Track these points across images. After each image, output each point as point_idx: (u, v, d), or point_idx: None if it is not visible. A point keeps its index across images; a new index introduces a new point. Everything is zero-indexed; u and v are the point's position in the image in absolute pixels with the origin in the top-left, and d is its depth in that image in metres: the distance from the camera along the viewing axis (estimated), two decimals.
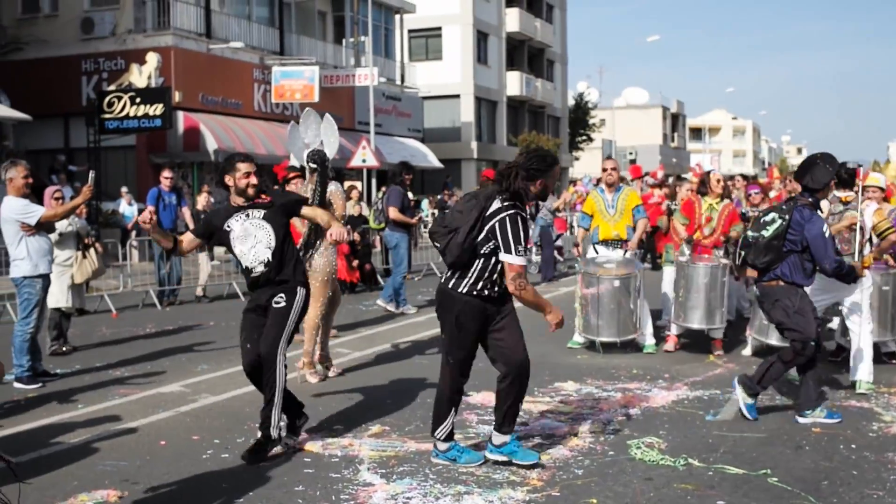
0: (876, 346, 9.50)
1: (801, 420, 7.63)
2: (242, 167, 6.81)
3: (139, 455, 6.83)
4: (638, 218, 10.85)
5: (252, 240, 6.72)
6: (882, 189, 9.76)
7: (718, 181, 10.77)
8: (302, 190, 9.45)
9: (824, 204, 8.93)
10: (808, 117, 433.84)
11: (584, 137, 65.45)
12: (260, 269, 6.72)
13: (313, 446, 6.94)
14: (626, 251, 10.78)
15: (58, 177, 24.62)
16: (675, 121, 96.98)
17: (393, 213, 14.35)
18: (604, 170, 10.95)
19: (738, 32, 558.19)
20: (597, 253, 10.91)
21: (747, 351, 10.56)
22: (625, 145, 72.02)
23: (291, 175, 10.65)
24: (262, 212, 6.81)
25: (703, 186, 10.86)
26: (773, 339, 9.95)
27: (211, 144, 27.62)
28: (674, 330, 10.90)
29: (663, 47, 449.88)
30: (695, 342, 11.08)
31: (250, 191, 6.80)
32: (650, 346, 10.84)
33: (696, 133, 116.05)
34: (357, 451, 6.83)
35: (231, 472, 6.43)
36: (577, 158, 64.16)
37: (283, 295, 6.73)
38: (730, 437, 7.21)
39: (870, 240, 8.90)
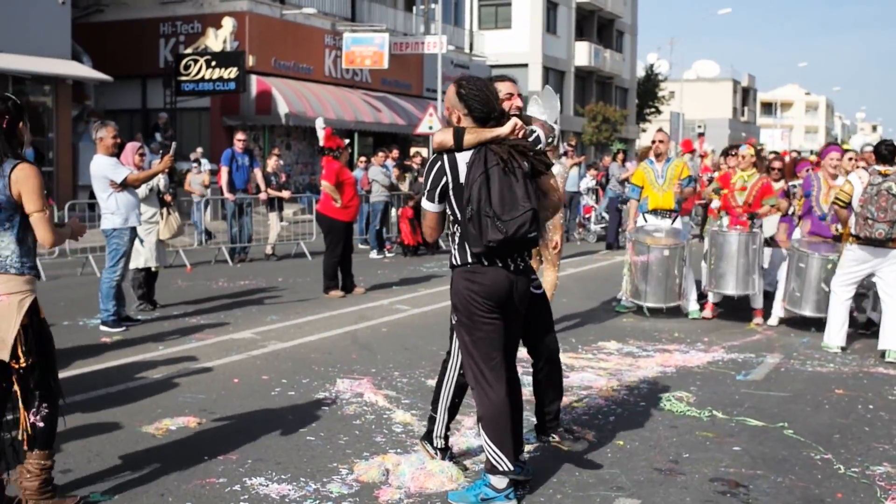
0: None
1: None
2: (503, 87, 5.71)
3: (215, 390, 7.59)
4: (685, 186, 11.33)
5: None
6: None
7: (744, 157, 11.35)
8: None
9: (864, 175, 9.39)
10: (884, 94, 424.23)
11: (653, 109, 65.31)
12: None
13: (373, 387, 7.65)
14: (674, 220, 11.28)
15: (162, 134, 25.44)
16: (745, 95, 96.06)
17: None
18: (653, 141, 11.46)
19: (812, 6, 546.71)
20: (646, 222, 11.43)
21: (773, 321, 11.02)
22: (693, 118, 71.53)
23: (342, 145, 11.23)
24: None
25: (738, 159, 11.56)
26: (807, 311, 10.46)
27: (282, 108, 28.39)
28: (711, 298, 11.43)
29: (735, 20, 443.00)
30: (737, 310, 11.58)
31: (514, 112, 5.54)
32: (694, 312, 11.38)
33: (767, 108, 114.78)
34: (408, 397, 7.53)
35: (296, 406, 7.16)
36: (643, 130, 64.12)
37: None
38: (756, 394, 7.77)
39: None
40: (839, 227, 10.43)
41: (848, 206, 9.44)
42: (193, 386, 7.71)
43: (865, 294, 10.49)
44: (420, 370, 8.39)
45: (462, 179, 4.95)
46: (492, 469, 5.14)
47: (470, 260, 5.04)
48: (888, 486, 5.65)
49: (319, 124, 13.74)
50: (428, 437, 5.88)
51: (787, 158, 14.09)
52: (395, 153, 20.29)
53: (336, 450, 6.13)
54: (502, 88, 5.66)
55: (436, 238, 5.36)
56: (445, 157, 5.04)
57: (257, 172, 17.43)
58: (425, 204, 5.16)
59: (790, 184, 11.83)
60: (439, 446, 5.82)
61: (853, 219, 9.34)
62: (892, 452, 6.33)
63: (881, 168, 9.26)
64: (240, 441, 6.23)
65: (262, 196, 17.42)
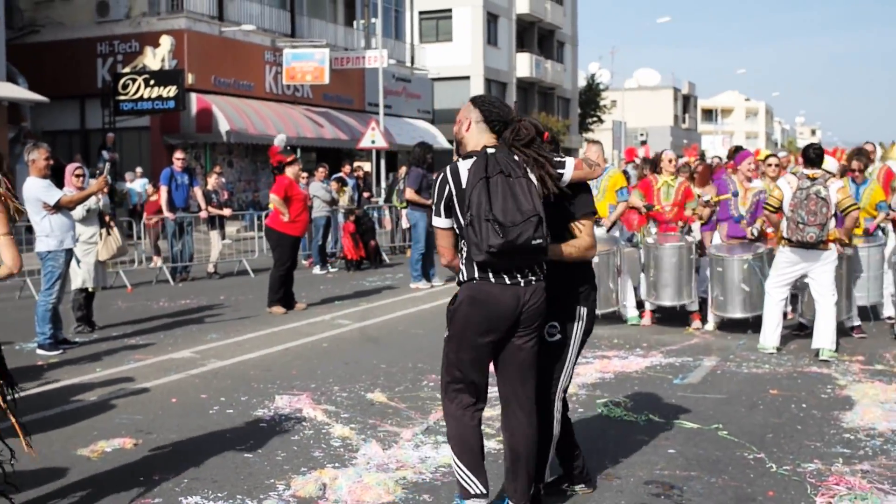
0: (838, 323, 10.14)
1: None
2: None
3: (152, 410, 7.54)
4: (620, 200, 11.45)
5: None
6: (832, 173, 10.45)
7: (670, 161, 11.57)
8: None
9: (793, 180, 9.57)
10: (822, 99, 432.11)
11: (595, 119, 65.90)
12: None
13: (312, 403, 7.64)
14: (609, 228, 11.38)
15: (109, 153, 25.07)
16: (686, 102, 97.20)
17: (409, 193, 15.03)
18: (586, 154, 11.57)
19: (750, 14, 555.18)
20: None
21: (710, 325, 11.19)
22: (635, 126, 72.53)
23: (290, 159, 11.25)
24: None
25: (656, 165, 11.80)
26: (735, 313, 10.69)
27: (223, 126, 28.30)
28: (648, 306, 11.56)
29: (675, 29, 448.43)
30: (675, 315, 11.71)
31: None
32: (633, 318, 11.50)
33: (708, 114, 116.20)
34: (347, 411, 7.54)
35: (234, 424, 7.13)
36: (586, 140, 64.53)
37: None
38: (692, 397, 7.87)
39: (835, 215, 9.50)
40: (755, 229, 10.70)
41: (778, 210, 9.61)
42: (130, 407, 7.65)
43: (796, 295, 10.72)
44: (360, 384, 8.40)
45: (464, 185, 4.71)
46: (465, 493, 4.92)
47: (476, 276, 4.73)
48: (818, 482, 5.75)
49: (280, 140, 13.74)
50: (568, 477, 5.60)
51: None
52: (322, 171, 19.92)
53: (273, 466, 6.12)
54: None
55: (451, 260, 4.93)
56: (448, 167, 4.84)
57: (197, 191, 17.35)
58: (435, 221, 4.85)
59: (702, 196, 11.87)
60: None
61: (784, 223, 9.51)
62: (823, 450, 6.44)
63: (809, 172, 9.44)
64: (176, 460, 6.20)
65: (203, 214, 17.33)
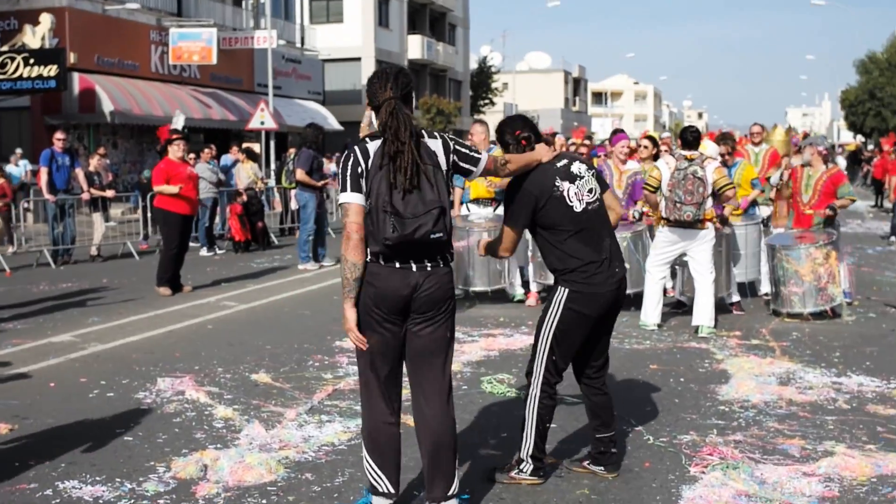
0: (718, 299, 10.44)
1: None
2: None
3: (30, 395, 7.36)
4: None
5: None
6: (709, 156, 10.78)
7: (562, 145, 11.78)
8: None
9: (671, 160, 9.81)
10: (709, 83, 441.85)
11: (486, 101, 66.26)
12: None
13: (195, 385, 7.56)
14: (495, 208, 11.49)
15: None
16: (576, 85, 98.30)
17: (300, 174, 14.93)
18: (471, 134, 11.57)
19: None
20: (468, 211, 11.61)
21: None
22: (527, 109, 72.96)
23: (174, 137, 11.11)
24: None
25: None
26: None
27: (107, 106, 27.66)
28: (534, 287, 11.69)
29: (566, 13, 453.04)
30: None
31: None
32: (519, 295, 11.64)
33: (598, 98, 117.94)
34: (231, 392, 7.48)
35: (114, 408, 7.01)
36: (474, 120, 64.82)
37: None
38: None
39: (712, 194, 9.75)
40: (636, 211, 10.96)
41: (656, 190, 9.84)
42: (7, 392, 7.45)
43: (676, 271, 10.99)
44: (245, 365, 8.33)
45: (370, 167, 4.53)
46: (373, 490, 4.83)
47: (369, 258, 4.58)
48: (693, 453, 5.92)
49: (178, 119, 13.52)
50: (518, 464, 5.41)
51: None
52: (208, 152, 19.65)
53: (154, 448, 6.04)
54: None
55: (356, 247, 4.57)
56: (357, 146, 4.61)
57: (79, 172, 16.92)
58: (344, 197, 4.55)
59: None
60: (526, 470, 5.38)
61: (663, 203, 9.74)
62: (698, 422, 6.63)
63: (686, 153, 9.68)
64: (53, 445, 6.08)
65: (85, 196, 16.92)
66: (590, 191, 5.29)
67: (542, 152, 5.29)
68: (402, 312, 4.63)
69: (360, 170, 4.54)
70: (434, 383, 4.75)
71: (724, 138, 11.83)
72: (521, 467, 5.37)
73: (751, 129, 13.59)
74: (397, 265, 4.56)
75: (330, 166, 24.65)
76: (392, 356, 4.71)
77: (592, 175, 5.36)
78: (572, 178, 5.26)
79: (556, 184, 5.22)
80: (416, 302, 4.61)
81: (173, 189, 12.34)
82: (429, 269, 4.60)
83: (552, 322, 5.29)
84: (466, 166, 4.82)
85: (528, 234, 5.56)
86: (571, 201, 5.22)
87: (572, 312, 5.22)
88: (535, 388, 5.40)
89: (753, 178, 11.50)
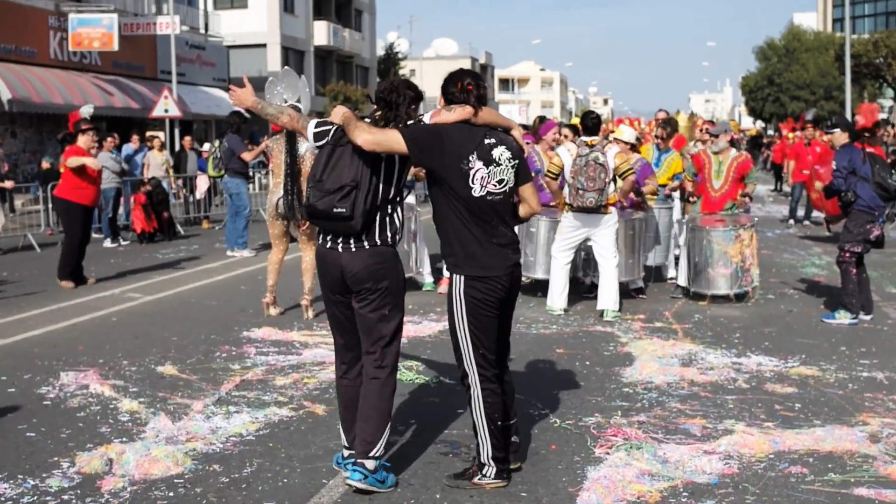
0: (625, 283, 10.63)
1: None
2: None
3: None
4: None
5: None
6: (625, 142, 10.97)
7: None
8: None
9: (573, 147, 9.94)
10: (613, 69, 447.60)
11: None
12: None
13: (100, 378, 7.44)
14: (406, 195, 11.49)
15: None
16: (483, 72, 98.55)
17: (248, 155, 14.85)
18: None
19: None
20: None
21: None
22: (434, 96, 72.52)
23: (84, 126, 10.88)
24: None
25: None
26: (539, 273, 10.99)
27: (4, 94, 26.89)
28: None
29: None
30: None
31: None
32: (428, 284, 11.69)
33: (505, 84, 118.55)
34: (136, 385, 7.39)
35: (15, 403, 6.87)
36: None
37: None
38: None
39: (613, 179, 9.92)
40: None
41: (557, 177, 9.96)
42: None
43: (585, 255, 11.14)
44: (150, 357, 8.23)
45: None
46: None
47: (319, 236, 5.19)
48: (598, 434, 6.05)
49: (86, 111, 13.18)
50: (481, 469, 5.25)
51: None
52: (111, 141, 19.22)
53: (57, 444, 5.95)
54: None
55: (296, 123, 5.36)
56: (334, 127, 5.09)
57: None
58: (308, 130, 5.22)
59: None
60: (489, 474, 5.21)
61: (567, 189, 9.87)
62: (603, 404, 6.76)
63: (588, 139, 9.82)
64: None
65: None
66: (500, 181, 5.05)
67: (465, 112, 5.06)
68: (341, 290, 5.11)
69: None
70: (369, 357, 5.19)
71: (665, 123, 12.18)
72: (483, 472, 5.22)
73: (656, 115, 13.86)
74: (328, 245, 5.06)
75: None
76: (343, 328, 5.25)
77: (513, 167, 5.09)
78: (487, 162, 5.00)
79: (469, 158, 4.98)
80: (348, 280, 5.05)
81: (91, 161, 12.02)
82: (352, 248, 5.01)
83: (462, 316, 5.19)
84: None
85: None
86: (472, 183, 4.98)
87: (475, 301, 5.15)
88: (474, 388, 5.22)
89: (678, 172, 11.78)
